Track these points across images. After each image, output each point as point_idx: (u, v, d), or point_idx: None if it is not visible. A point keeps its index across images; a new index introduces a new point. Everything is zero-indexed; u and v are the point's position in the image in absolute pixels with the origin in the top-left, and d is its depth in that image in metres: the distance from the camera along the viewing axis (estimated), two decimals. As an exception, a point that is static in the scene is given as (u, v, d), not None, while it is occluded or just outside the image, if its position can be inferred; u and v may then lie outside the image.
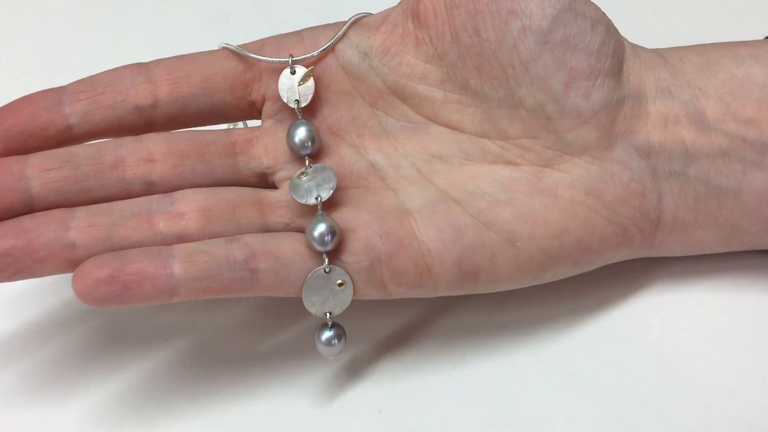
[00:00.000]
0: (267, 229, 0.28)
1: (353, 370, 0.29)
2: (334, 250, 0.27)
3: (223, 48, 0.29)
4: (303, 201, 0.27)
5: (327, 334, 0.27)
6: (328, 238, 0.26)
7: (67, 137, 0.28)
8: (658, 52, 0.30)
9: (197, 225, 0.27)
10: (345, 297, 0.27)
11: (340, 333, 0.27)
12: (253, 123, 0.30)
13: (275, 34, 0.30)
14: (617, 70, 0.28)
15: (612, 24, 0.29)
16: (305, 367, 0.29)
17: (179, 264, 0.26)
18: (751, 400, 0.27)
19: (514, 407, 0.27)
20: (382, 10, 0.30)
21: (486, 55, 0.28)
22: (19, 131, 0.27)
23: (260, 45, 0.30)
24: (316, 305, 0.27)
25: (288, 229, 0.28)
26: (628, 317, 0.30)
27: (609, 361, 0.29)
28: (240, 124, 0.31)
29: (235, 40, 0.29)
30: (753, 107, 0.28)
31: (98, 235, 0.26)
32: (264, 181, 0.29)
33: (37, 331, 0.30)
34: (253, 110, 0.30)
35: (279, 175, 0.29)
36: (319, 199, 0.27)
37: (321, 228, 0.26)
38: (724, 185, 0.29)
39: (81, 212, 0.26)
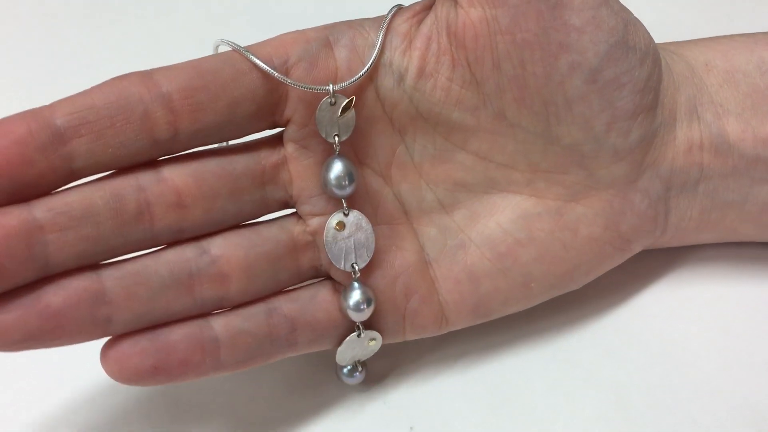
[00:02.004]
0: (299, 274, 0.26)
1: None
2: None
3: (241, 57, 0.24)
4: (339, 266, 0.25)
5: (348, 367, 0.28)
6: (363, 306, 0.26)
7: (68, 182, 0.23)
8: (683, 58, 0.29)
9: (240, 287, 0.25)
10: (373, 348, 0.27)
11: (361, 365, 0.28)
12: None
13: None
14: (656, 101, 0.27)
15: (656, 48, 0.27)
16: (309, 359, 0.29)
17: (224, 348, 0.24)
18: (755, 386, 0.28)
19: (518, 398, 0.29)
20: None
21: (529, 89, 0.25)
22: (10, 183, 0.22)
23: (284, 54, 0.25)
24: (348, 360, 0.27)
25: (315, 273, 0.26)
26: (630, 308, 0.31)
27: (611, 351, 0.30)
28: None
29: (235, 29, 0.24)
30: None
31: (138, 309, 0.23)
32: (285, 207, 0.26)
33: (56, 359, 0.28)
34: (275, 127, 0.26)
35: (304, 209, 0.26)
36: (356, 267, 0.26)
37: (356, 297, 0.26)
38: (729, 199, 0.29)
39: (113, 280, 0.23)
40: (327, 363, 0.29)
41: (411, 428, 0.27)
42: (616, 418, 0.28)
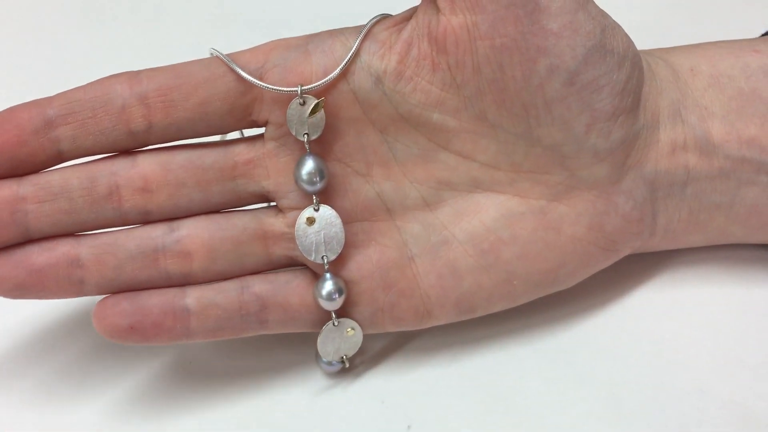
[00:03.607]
0: (270, 261, 0.28)
1: (356, 364, 0.30)
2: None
3: (221, 62, 0.26)
4: (309, 258, 0.27)
5: None
6: (335, 296, 0.27)
7: (58, 161, 0.27)
8: (669, 63, 0.29)
9: (202, 265, 0.27)
10: (356, 340, 0.28)
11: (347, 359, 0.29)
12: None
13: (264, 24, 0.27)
14: (636, 104, 0.27)
15: (636, 53, 0.27)
16: (307, 360, 0.30)
17: (194, 317, 0.27)
18: (742, 384, 0.29)
19: (512, 396, 0.29)
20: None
21: (509, 91, 0.26)
22: (7, 159, 0.26)
23: (261, 60, 0.27)
24: (331, 354, 0.28)
25: (291, 261, 0.28)
26: (622, 308, 0.31)
27: (604, 351, 0.30)
28: (237, 133, 0.29)
29: (230, 31, 0.26)
30: (756, 124, 0.28)
31: (107, 275, 0.26)
32: (264, 199, 0.28)
33: (43, 337, 0.31)
34: (254, 126, 0.28)
35: (283, 203, 0.27)
36: (326, 259, 0.27)
37: (328, 287, 0.27)
38: (717, 201, 0.29)
39: (88, 248, 0.26)
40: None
41: (408, 427, 0.28)
42: (608, 415, 0.28)
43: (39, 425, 0.29)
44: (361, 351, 0.30)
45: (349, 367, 0.29)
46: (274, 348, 0.31)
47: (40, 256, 0.26)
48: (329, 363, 0.29)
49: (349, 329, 0.28)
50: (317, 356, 0.29)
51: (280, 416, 0.29)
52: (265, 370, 0.30)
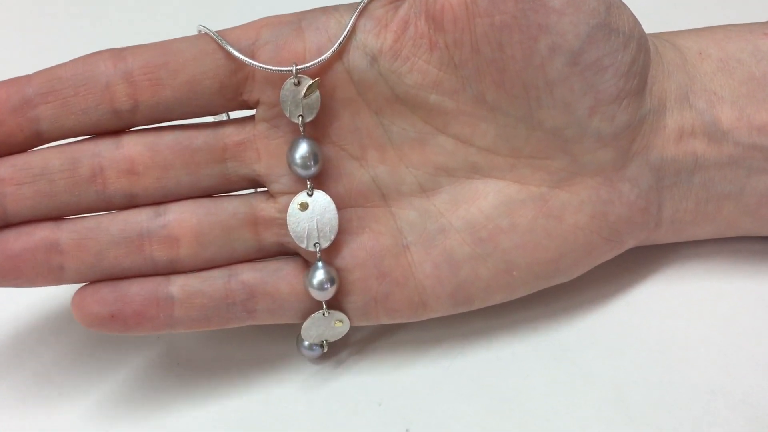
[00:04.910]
0: (260, 248, 0.27)
1: (352, 363, 0.29)
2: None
3: (210, 39, 0.25)
4: (302, 245, 0.26)
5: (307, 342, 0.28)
6: (327, 285, 0.26)
7: (37, 142, 0.25)
8: (677, 46, 0.28)
9: (190, 252, 0.26)
10: (341, 330, 0.27)
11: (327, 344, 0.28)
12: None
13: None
14: (642, 87, 0.27)
15: (643, 34, 0.26)
16: (303, 360, 0.29)
17: (179, 306, 0.26)
18: (755, 384, 0.28)
19: (516, 397, 0.28)
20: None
21: (508, 72, 0.25)
22: None
23: (253, 37, 0.25)
24: (313, 337, 0.27)
25: (281, 248, 0.27)
26: (628, 305, 0.30)
27: (610, 349, 0.29)
28: (224, 115, 0.27)
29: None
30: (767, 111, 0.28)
31: (88, 261, 0.25)
32: (255, 184, 0.27)
33: (29, 330, 0.30)
34: (245, 107, 0.26)
35: (274, 187, 0.26)
36: (318, 247, 0.26)
37: (320, 276, 0.26)
38: (726, 190, 0.28)
39: (68, 233, 0.25)
40: (324, 366, 0.29)
41: (407, 430, 0.27)
42: (615, 418, 0.27)
43: (22, 423, 0.28)
44: (354, 346, 0.30)
45: (327, 352, 0.28)
46: (268, 348, 0.30)
47: (17, 240, 0.25)
48: (310, 347, 0.28)
49: (338, 321, 0.27)
50: (298, 340, 0.28)
51: (272, 418, 0.28)
52: (259, 371, 0.29)
